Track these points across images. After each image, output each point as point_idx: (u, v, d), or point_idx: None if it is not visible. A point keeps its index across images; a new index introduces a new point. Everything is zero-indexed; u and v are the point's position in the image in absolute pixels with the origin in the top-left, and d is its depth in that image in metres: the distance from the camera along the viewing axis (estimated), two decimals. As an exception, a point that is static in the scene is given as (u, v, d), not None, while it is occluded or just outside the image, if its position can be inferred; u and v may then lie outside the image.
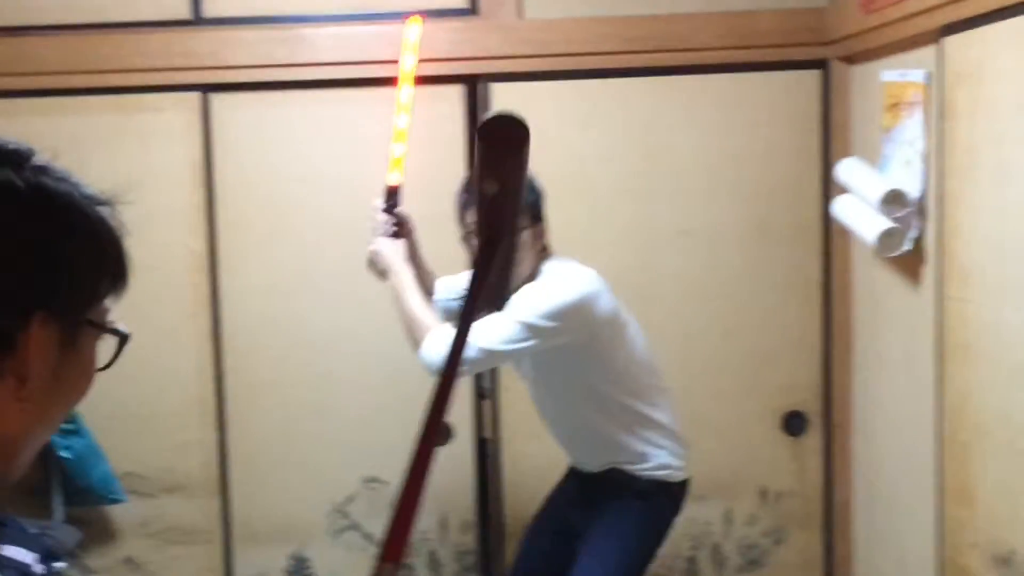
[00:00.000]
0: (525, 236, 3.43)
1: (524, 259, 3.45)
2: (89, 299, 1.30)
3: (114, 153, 4.25)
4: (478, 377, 4.31)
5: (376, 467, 4.39)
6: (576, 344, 3.44)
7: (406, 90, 3.82)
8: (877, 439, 4.09)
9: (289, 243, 4.30)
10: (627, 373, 3.57)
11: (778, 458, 4.43)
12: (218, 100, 4.28)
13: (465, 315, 1.60)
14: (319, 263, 4.31)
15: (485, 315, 3.35)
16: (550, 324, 3.35)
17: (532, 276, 3.48)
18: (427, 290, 3.74)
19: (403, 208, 3.69)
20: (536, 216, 3.49)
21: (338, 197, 4.28)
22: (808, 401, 4.40)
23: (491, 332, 3.34)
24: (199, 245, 4.28)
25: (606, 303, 3.47)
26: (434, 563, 4.45)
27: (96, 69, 4.21)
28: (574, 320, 3.39)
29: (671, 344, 4.28)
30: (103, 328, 1.32)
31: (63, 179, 1.29)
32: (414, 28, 3.88)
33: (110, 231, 1.32)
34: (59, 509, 4.23)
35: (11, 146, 1.29)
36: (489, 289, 1.66)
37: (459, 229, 3.54)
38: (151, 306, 4.17)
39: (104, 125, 4.27)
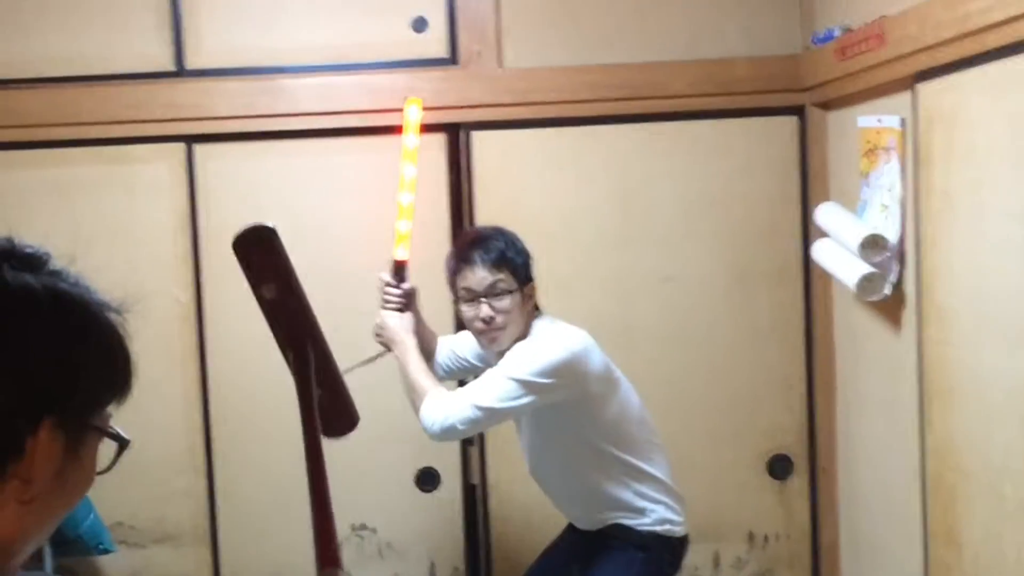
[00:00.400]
0: (516, 298, 3.48)
1: (516, 319, 3.50)
2: (96, 405, 1.32)
3: (100, 204, 4.28)
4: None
5: (365, 515, 4.39)
6: (571, 401, 3.46)
7: (408, 168, 3.86)
8: (862, 482, 4.10)
9: (274, 292, 4.32)
10: (622, 429, 3.59)
11: (764, 502, 4.44)
12: (202, 151, 4.30)
13: (306, 426, 1.61)
14: (304, 312, 4.32)
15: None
16: (545, 381, 3.37)
17: (524, 335, 3.51)
18: (429, 350, 3.81)
19: (410, 283, 3.73)
20: (527, 277, 3.54)
21: (323, 246, 4.30)
22: (793, 445, 4.41)
23: (487, 391, 3.37)
24: (185, 295, 4.30)
25: (598, 360, 3.50)
26: (422, 610, 4.45)
27: (80, 121, 4.23)
28: (568, 376, 3.41)
29: (655, 390, 4.29)
30: (106, 433, 1.33)
31: (77, 284, 1.32)
32: (414, 109, 3.93)
33: (120, 339, 1.34)
34: (48, 560, 4.22)
35: (29, 250, 1.31)
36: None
37: (450, 294, 3.59)
38: (138, 356, 4.16)
39: (89, 176, 4.29)
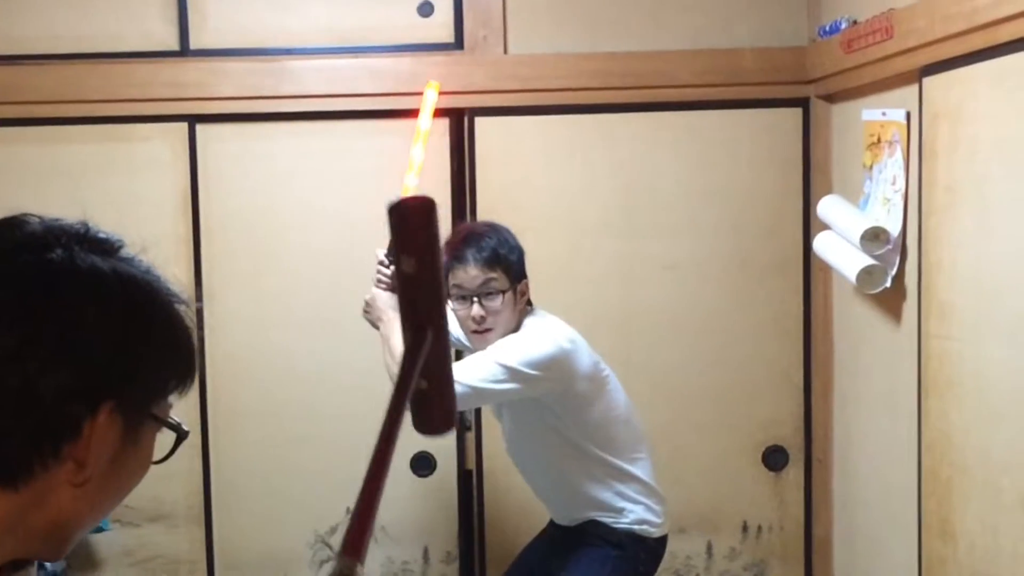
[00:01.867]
0: (508, 296, 3.48)
1: (508, 318, 3.50)
2: (157, 394, 1.32)
3: (102, 182, 4.27)
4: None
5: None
6: (554, 396, 3.47)
7: (418, 150, 3.86)
8: (857, 474, 4.11)
9: (274, 274, 4.32)
10: (605, 428, 3.59)
11: (759, 492, 4.44)
12: (204, 131, 4.29)
13: (392, 408, 1.60)
14: (304, 294, 4.32)
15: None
16: (531, 372, 3.37)
17: (516, 329, 3.52)
18: None
19: None
20: (520, 274, 3.53)
21: (323, 229, 4.30)
22: (789, 436, 4.42)
23: (475, 370, 3.37)
24: (184, 275, 4.29)
25: (586, 360, 3.51)
26: (416, 594, 4.46)
27: (85, 99, 4.23)
28: (554, 372, 3.42)
29: (653, 378, 4.31)
30: (165, 423, 1.33)
31: (147, 272, 1.32)
32: (432, 92, 3.96)
33: (185, 329, 1.34)
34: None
35: (102, 235, 1.31)
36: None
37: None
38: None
39: (92, 154, 4.29)
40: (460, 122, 4.31)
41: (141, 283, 1.30)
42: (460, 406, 3.64)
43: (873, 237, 3.55)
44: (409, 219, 1.69)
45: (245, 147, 4.31)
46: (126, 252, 1.32)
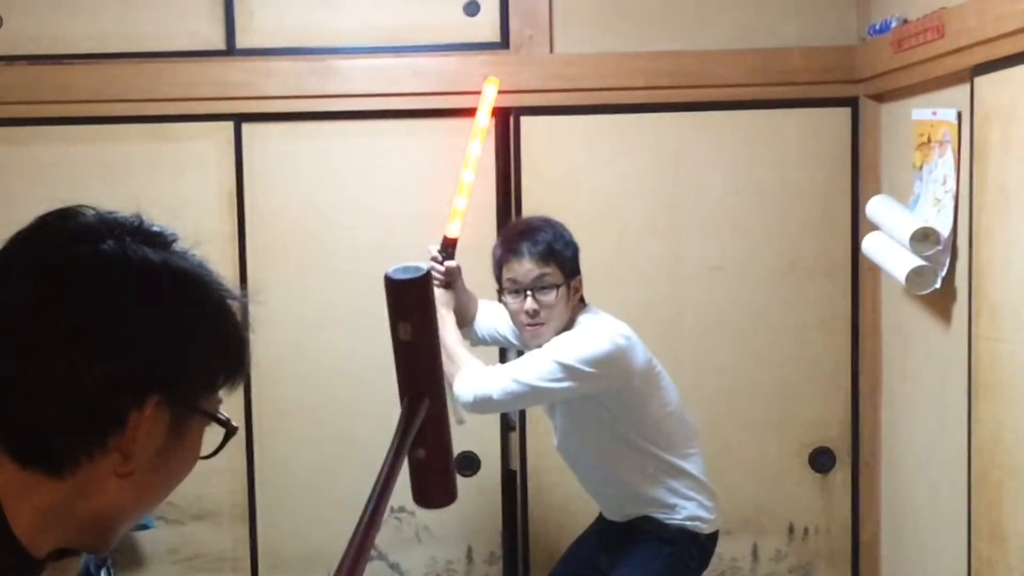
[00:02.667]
0: (562, 291, 3.46)
1: (561, 313, 3.49)
2: (205, 389, 1.32)
3: (148, 180, 4.28)
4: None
5: (403, 497, 4.30)
6: (609, 394, 3.46)
7: (475, 145, 3.86)
8: (905, 476, 4.07)
9: (318, 272, 4.32)
10: (658, 425, 3.58)
11: (806, 494, 4.41)
12: (250, 130, 4.30)
13: (389, 472, 1.59)
14: (348, 293, 4.32)
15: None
16: (588, 370, 3.36)
17: (569, 325, 3.50)
18: (470, 315, 3.83)
19: (456, 262, 3.71)
20: (575, 270, 3.52)
21: (367, 227, 4.30)
22: (836, 438, 4.39)
23: (531, 368, 3.37)
24: (229, 273, 4.25)
25: (641, 357, 3.50)
26: (459, 594, 4.45)
27: (131, 98, 4.24)
28: (611, 369, 3.40)
29: (700, 379, 4.28)
30: (213, 418, 1.34)
31: (200, 266, 1.32)
32: (491, 88, 3.96)
33: (236, 325, 1.34)
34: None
35: (156, 228, 1.32)
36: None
37: (496, 284, 3.57)
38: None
39: (138, 153, 4.30)
40: (506, 121, 4.30)
41: (192, 277, 1.30)
42: (518, 405, 3.65)
43: (923, 238, 3.52)
44: (405, 288, 1.70)
45: (290, 146, 4.31)
46: (179, 246, 1.33)
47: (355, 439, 4.35)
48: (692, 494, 3.61)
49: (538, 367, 3.37)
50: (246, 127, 4.30)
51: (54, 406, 1.22)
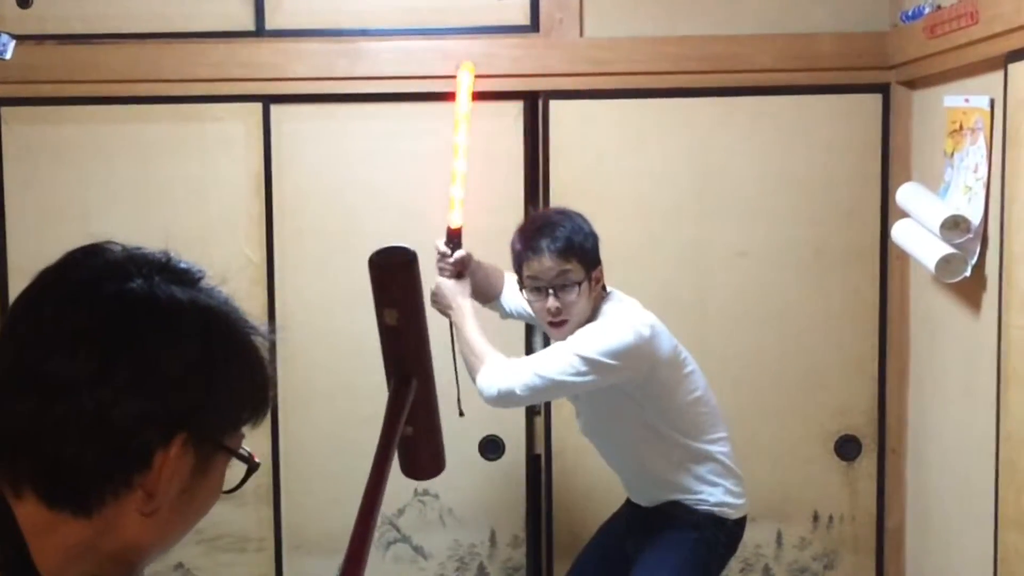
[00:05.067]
0: (584, 286, 3.44)
1: (584, 307, 3.46)
2: (230, 426, 1.32)
3: (175, 161, 4.29)
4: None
5: (428, 480, 4.38)
6: (634, 383, 3.44)
7: (462, 133, 3.84)
8: (932, 465, 4.06)
9: (345, 255, 4.31)
10: (685, 412, 3.56)
11: (830, 482, 4.40)
12: (279, 111, 4.30)
13: (378, 457, 1.59)
14: (375, 275, 4.31)
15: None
16: (611, 362, 3.35)
17: (593, 316, 3.49)
18: (495, 289, 3.84)
19: (463, 251, 3.70)
20: (596, 260, 3.49)
21: (395, 211, 4.29)
22: (862, 425, 4.38)
23: (553, 362, 3.36)
24: (257, 255, 4.31)
25: (667, 345, 3.48)
26: (483, 577, 4.46)
27: (160, 78, 4.25)
28: (634, 360, 3.39)
29: (725, 365, 4.27)
30: (236, 455, 1.34)
31: (226, 303, 1.33)
32: (466, 74, 3.92)
33: (262, 362, 1.34)
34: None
35: (183, 265, 1.32)
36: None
37: (516, 279, 3.56)
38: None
39: (166, 133, 4.30)
40: (534, 105, 4.29)
41: (219, 315, 1.31)
42: (541, 399, 3.64)
43: (953, 225, 3.50)
44: (390, 274, 1.67)
45: (319, 128, 4.31)
46: (206, 283, 1.33)
47: (379, 421, 4.32)
48: (719, 480, 3.60)
49: (560, 361, 3.35)
50: (274, 108, 4.30)
51: (81, 444, 1.22)
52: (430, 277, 3.61)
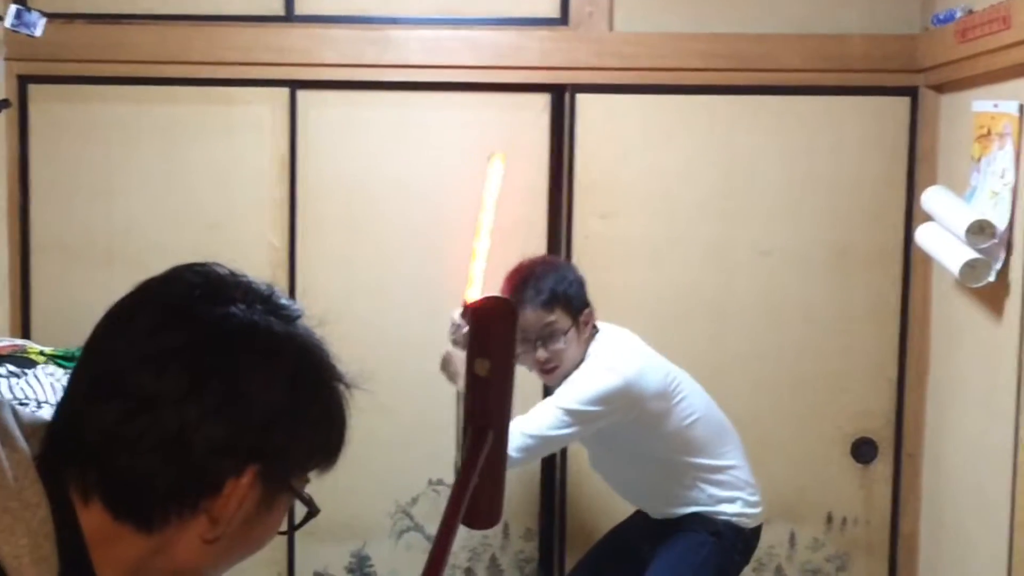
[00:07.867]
0: (571, 334, 3.46)
1: (573, 353, 3.48)
2: (301, 467, 1.32)
3: (201, 143, 4.30)
4: (546, 388, 4.31)
5: (442, 470, 4.39)
6: (626, 422, 3.46)
7: (488, 214, 3.83)
8: (948, 470, 4.05)
9: (367, 244, 4.32)
10: (685, 435, 3.56)
11: (845, 484, 4.40)
12: (306, 97, 4.30)
13: (452, 504, 1.59)
14: (395, 265, 4.32)
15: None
16: (595, 409, 3.37)
17: (583, 359, 3.50)
18: None
19: None
20: (583, 303, 3.51)
21: (418, 200, 4.30)
22: (879, 429, 4.37)
23: (539, 420, 3.37)
24: (280, 241, 4.31)
25: (652, 380, 3.48)
26: (495, 569, 4.45)
27: (187, 60, 4.25)
28: (619, 402, 3.40)
29: (744, 364, 4.27)
30: (300, 497, 1.33)
31: (319, 347, 1.33)
32: (498, 165, 3.89)
33: (342, 411, 1.35)
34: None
35: (284, 301, 1.33)
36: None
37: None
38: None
39: (193, 116, 4.31)
40: (561, 98, 4.28)
41: (312, 356, 1.32)
42: (538, 456, 3.68)
43: (978, 230, 3.49)
44: (490, 324, 1.67)
45: (345, 114, 4.31)
46: (303, 322, 1.33)
47: (395, 410, 4.35)
48: (735, 493, 3.61)
49: (545, 417, 3.37)
50: (301, 94, 4.30)
51: (157, 460, 1.22)
52: (441, 343, 3.64)
